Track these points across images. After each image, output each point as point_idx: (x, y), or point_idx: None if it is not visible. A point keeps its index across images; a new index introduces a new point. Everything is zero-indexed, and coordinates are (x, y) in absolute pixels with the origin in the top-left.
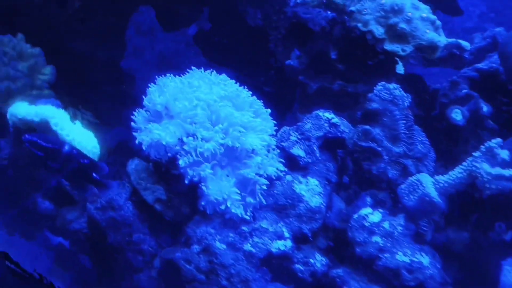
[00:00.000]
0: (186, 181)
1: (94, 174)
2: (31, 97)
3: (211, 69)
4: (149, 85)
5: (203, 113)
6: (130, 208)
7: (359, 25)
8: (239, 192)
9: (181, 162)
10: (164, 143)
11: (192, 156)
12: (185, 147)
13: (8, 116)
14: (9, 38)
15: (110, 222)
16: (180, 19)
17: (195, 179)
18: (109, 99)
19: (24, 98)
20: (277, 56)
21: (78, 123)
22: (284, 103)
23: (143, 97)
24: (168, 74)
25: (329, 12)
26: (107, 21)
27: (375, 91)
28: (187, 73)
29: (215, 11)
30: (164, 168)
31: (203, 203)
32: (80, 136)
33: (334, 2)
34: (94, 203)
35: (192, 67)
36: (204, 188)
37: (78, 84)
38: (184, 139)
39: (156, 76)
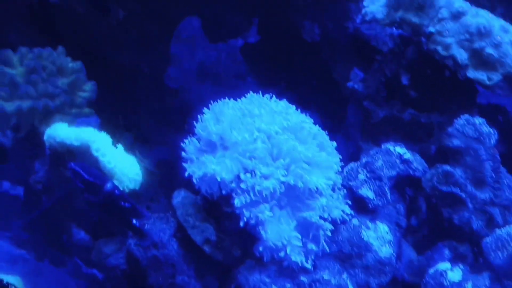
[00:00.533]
0: (241, 223)
1: (134, 220)
2: (70, 116)
3: (271, 94)
4: (202, 110)
5: (263, 147)
6: (174, 246)
7: (439, 48)
8: (300, 237)
9: (236, 202)
10: (219, 179)
11: (249, 195)
12: (242, 185)
13: (45, 137)
14: (49, 52)
15: (151, 260)
16: (227, 30)
17: (252, 221)
18: (150, 115)
19: (63, 117)
20: (333, 75)
21: (120, 147)
22: (337, 128)
23: (194, 123)
24: (222, 99)
25: (394, 29)
26: (151, 32)
27: (456, 125)
28: (243, 97)
29: (265, 23)
30: (215, 204)
31: (260, 249)
32: (122, 163)
33: (410, 21)
34: (135, 238)
35: (250, 92)
36: (262, 232)
37: (118, 98)
38: (242, 176)
39: (211, 102)
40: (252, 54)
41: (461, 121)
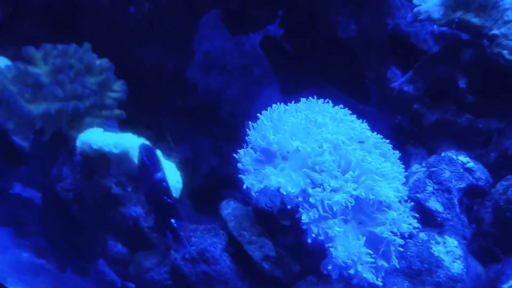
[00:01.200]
0: (309, 240)
1: (172, 221)
2: (100, 119)
3: (327, 99)
4: (258, 115)
5: (331, 159)
6: (227, 262)
7: (505, 52)
8: (371, 253)
9: (304, 218)
10: (284, 192)
11: (318, 210)
12: (311, 199)
13: (78, 144)
14: (75, 49)
15: (201, 277)
16: (251, 23)
17: (320, 237)
18: (172, 113)
19: (93, 120)
20: (367, 73)
21: (159, 152)
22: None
23: (248, 130)
24: (279, 104)
25: (435, 26)
26: (176, 26)
27: None
28: (300, 102)
29: (291, 16)
30: (272, 218)
31: (329, 267)
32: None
33: (470, 23)
34: (180, 252)
35: (310, 98)
36: (331, 249)
37: (139, 96)
38: (310, 190)
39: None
40: (274, 48)
41: None
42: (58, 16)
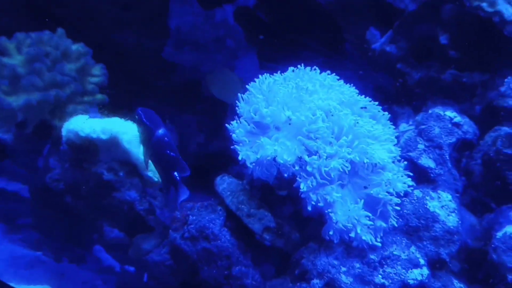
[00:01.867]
0: (309, 208)
1: (176, 174)
2: (83, 105)
3: (314, 67)
4: (246, 85)
5: (325, 126)
6: (227, 237)
7: (484, 5)
8: (370, 215)
9: (302, 187)
10: (281, 161)
11: (316, 178)
12: (308, 167)
13: (64, 133)
14: (49, 36)
15: (202, 254)
16: None
17: (320, 204)
18: (155, 94)
19: (76, 108)
20: (346, 37)
21: None
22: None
23: (237, 103)
24: (266, 74)
25: None
26: (151, 4)
27: (511, 84)
28: (288, 71)
29: None
30: (268, 189)
31: (330, 233)
32: None
33: None
34: (179, 231)
35: (299, 66)
36: (331, 215)
37: (126, 80)
38: (306, 157)
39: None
40: (248, 18)
41: None
42: (31, 4)
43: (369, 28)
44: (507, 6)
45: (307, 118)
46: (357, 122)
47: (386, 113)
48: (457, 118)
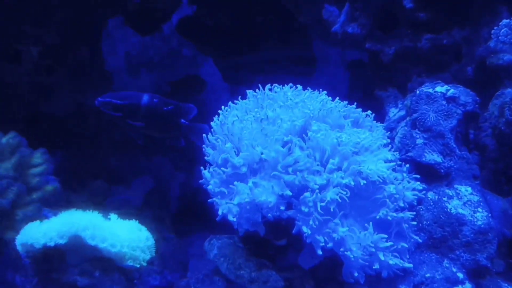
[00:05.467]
0: (319, 252)
1: (182, 121)
2: (33, 205)
3: (274, 84)
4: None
5: (304, 154)
6: None
7: None
8: (385, 236)
9: (306, 230)
10: (260, 202)
11: (317, 217)
12: (303, 208)
13: (18, 247)
14: None
15: None
16: (156, 15)
17: (329, 245)
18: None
19: (25, 213)
20: (301, 19)
21: (113, 217)
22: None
23: (205, 153)
24: (226, 108)
25: None
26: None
27: (499, 36)
28: (248, 97)
29: None
30: (263, 242)
31: (355, 274)
32: (126, 236)
33: None
34: None
35: (247, 91)
36: (347, 253)
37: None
38: (288, 192)
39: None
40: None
41: (503, 29)
42: None
43: (324, 6)
44: None
45: (278, 153)
46: (341, 140)
47: (370, 112)
48: (451, 91)
